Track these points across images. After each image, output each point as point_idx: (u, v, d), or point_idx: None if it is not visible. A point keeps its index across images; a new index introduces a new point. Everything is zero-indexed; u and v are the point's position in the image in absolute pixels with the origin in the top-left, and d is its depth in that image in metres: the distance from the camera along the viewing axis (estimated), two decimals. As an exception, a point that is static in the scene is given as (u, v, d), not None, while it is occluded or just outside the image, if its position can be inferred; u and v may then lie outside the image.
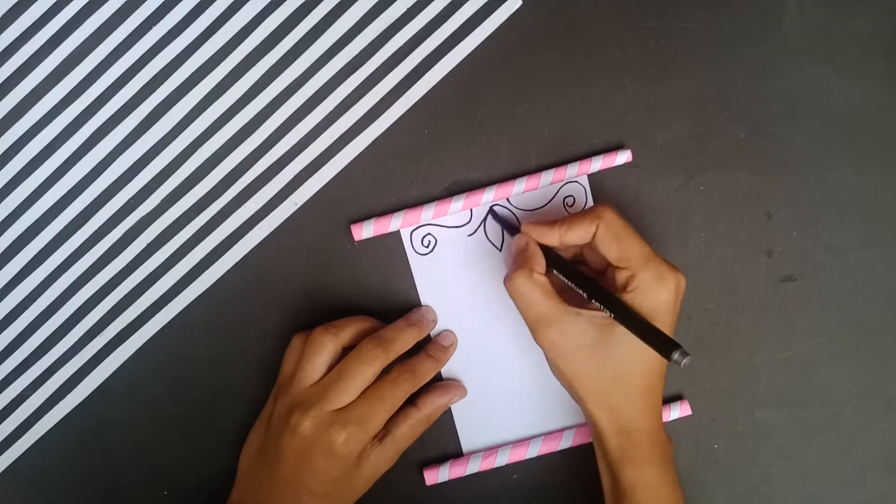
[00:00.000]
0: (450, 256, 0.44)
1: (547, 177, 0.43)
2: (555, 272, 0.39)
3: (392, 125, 0.44)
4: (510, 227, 0.43)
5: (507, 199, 0.44)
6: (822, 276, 0.44)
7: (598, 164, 0.43)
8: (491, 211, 0.43)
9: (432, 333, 0.44)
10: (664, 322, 0.37)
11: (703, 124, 0.43)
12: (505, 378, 0.44)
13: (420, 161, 0.44)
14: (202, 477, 0.42)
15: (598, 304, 0.37)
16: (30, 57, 0.44)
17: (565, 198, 0.43)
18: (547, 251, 0.39)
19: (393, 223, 0.43)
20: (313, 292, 0.44)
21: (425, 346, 0.43)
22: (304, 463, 0.39)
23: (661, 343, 0.34)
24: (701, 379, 0.44)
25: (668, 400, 0.44)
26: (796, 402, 0.44)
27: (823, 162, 0.43)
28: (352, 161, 0.44)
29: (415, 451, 0.43)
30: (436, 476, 0.44)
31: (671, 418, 0.43)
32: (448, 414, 0.44)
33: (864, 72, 0.43)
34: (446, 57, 0.44)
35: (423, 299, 0.44)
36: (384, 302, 0.44)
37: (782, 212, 0.44)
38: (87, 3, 0.44)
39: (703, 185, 0.44)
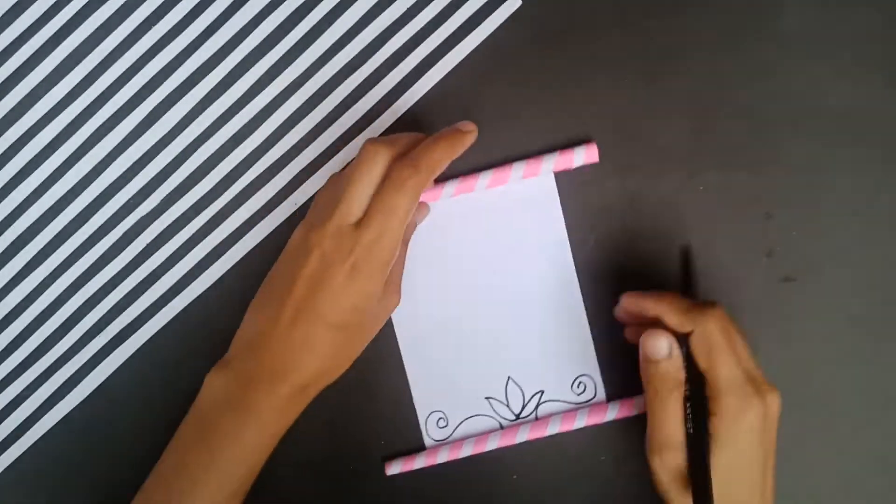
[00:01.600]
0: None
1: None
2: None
3: (392, 125, 0.44)
4: (688, 279, 0.40)
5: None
6: (822, 276, 0.44)
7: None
8: (684, 251, 0.42)
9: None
10: (752, 456, 0.35)
11: (703, 124, 0.43)
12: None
13: (420, 161, 0.44)
14: (202, 477, 0.42)
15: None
16: (30, 56, 0.44)
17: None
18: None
19: None
20: (313, 292, 0.44)
21: (441, 132, 0.38)
22: (320, 286, 0.35)
23: (698, 495, 0.33)
24: (701, 379, 0.44)
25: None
26: (796, 402, 0.44)
27: (823, 162, 0.43)
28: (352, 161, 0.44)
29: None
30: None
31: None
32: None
33: (864, 72, 0.43)
34: (446, 57, 0.44)
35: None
36: (384, 302, 0.44)
37: (782, 212, 0.43)
38: (87, 2, 0.44)
39: (703, 185, 0.44)
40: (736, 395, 0.34)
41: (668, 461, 0.35)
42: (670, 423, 0.35)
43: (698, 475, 0.34)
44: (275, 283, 0.37)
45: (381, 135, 0.44)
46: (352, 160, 0.37)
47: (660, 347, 0.35)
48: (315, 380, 0.37)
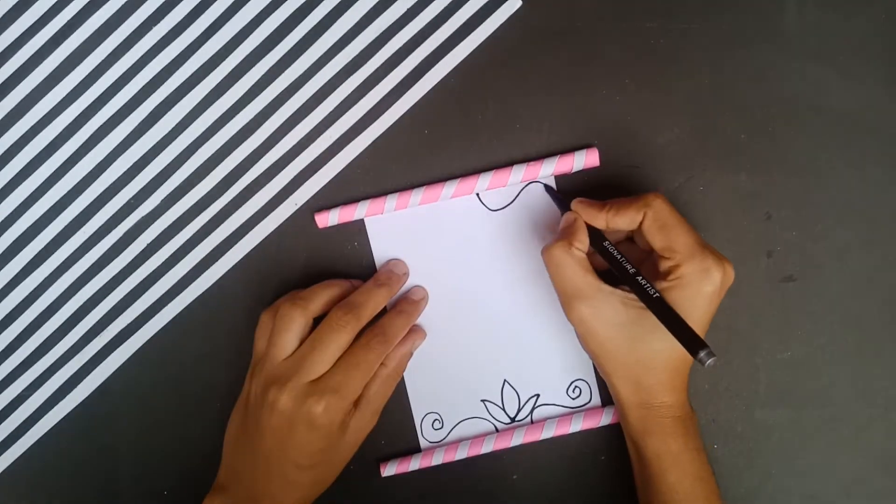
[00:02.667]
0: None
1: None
2: (596, 252, 0.39)
3: (392, 125, 0.44)
4: (561, 203, 0.42)
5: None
6: (822, 276, 0.44)
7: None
8: (546, 187, 0.43)
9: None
10: (702, 314, 0.37)
11: (703, 124, 0.43)
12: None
13: (420, 161, 0.44)
14: (202, 477, 0.42)
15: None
16: (30, 57, 0.44)
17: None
18: (592, 230, 0.39)
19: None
20: (313, 292, 0.44)
21: (396, 301, 0.43)
22: (286, 438, 0.39)
23: (689, 340, 0.34)
24: (701, 379, 0.44)
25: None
26: (796, 402, 0.44)
27: (823, 162, 0.43)
28: (352, 161, 0.44)
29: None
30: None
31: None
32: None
33: (864, 72, 0.43)
34: (446, 57, 0.44)
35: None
36: (384, 302, 0.44)
37: (782, 212, 0.43)
38: (87, 3, 0.44)
39: (703, 185, 0.44)
40: (696, 261, 0.36)
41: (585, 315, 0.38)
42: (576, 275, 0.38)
43: (677, 326, 0.35)
44: (248, 425, 0.41)
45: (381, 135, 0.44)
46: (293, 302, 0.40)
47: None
48: (302, 501, 0.41)
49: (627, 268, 0.37)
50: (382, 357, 0.40)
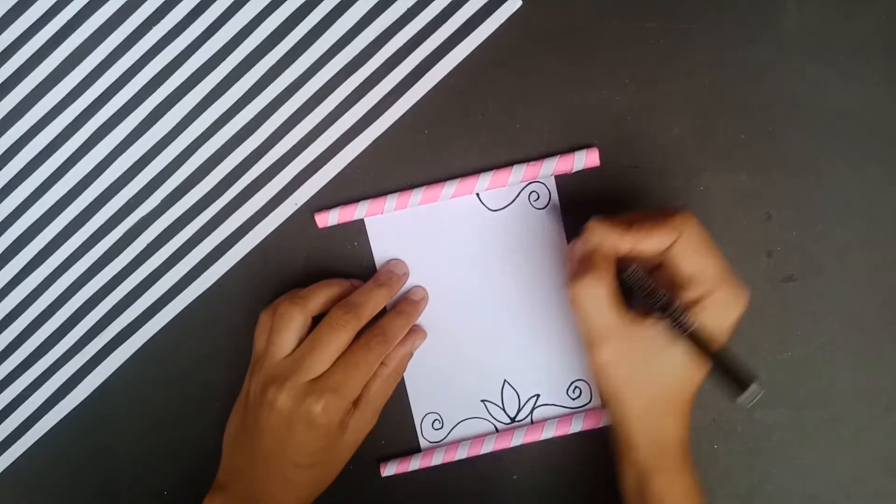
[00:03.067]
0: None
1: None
2: (624, 280, 0.35)
3: (392, 125, 0.44)
4: (565, 223, 0.41)
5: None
6: (822, 276, 0.44)
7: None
8: (552, 207, 0.43)
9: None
10: (724, 341, 0.35)
11: (703, 124, 0.43)
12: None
13: (420, 161, 0.44)
14: (202, 477, 0.42)
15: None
16: (30, 57, 0.44)
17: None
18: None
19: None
20: (313, 292, 0.44)
21: (396, 302, 0.43)
22: (285, 437, 0.39)
23: (735, 381, 0.32)
24: (701, 379, 0.44)
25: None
26: (796, 403, 0.44)
27: (823, 162, 0.43)
28: (352, 161, 0.44)
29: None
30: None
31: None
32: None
33: (864, 72, 0.43)
34: (446, 57, 0.44)
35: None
36: (384, 302, 0.44)
37: (782, 212, 0.43)
38: (87, 3, 0.44)
39: (703, 185, 0.44)
40: (728, 286, 0.35)
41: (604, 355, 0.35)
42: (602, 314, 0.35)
43: (721, 363, 0.33)
44: (247, 424, 0.41)
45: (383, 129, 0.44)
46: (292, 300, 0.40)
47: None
48: (302, 501, 0.41)
49: (661, 297, 0.34)
50: (382, 357, 0.40)
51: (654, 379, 0.36)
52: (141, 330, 0.45)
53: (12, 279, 0.45)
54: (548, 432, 0.44)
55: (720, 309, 0.35)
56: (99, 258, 0.45)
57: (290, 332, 0.40)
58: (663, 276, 0.36)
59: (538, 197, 0.44)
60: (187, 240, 0.45)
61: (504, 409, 0.45)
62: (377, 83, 0.44)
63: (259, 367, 0.40)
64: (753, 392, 0.30)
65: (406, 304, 0.43)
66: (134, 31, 0.44)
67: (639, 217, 0.35)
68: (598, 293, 0.34)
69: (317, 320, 0.41)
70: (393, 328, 0.41)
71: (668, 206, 0.44)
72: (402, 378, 0.45)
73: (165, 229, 0.45)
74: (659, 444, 0.37)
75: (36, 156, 0.45)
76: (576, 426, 0.44)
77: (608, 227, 0.35)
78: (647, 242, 0.35)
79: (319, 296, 0.41)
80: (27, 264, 0.45)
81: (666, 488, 0.37)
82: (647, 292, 0.35)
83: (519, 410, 0.45)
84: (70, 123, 0.45)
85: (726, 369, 0.33)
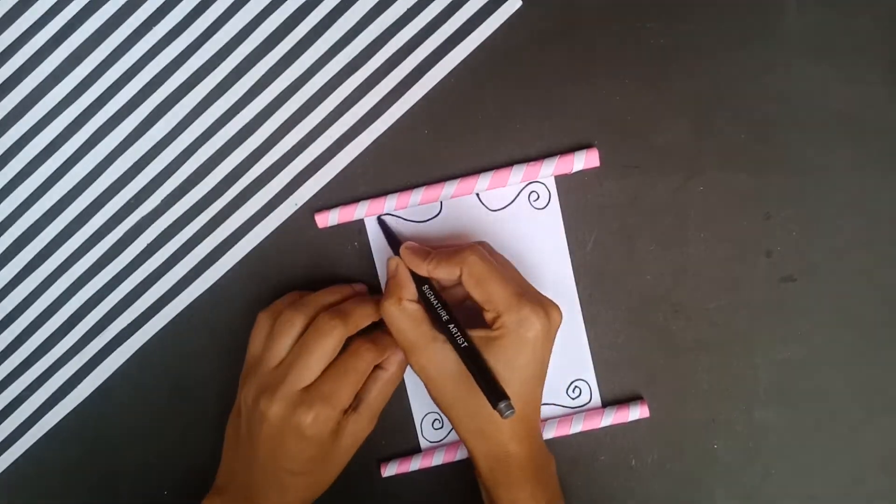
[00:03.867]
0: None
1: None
2: (423, 297, 0.40)
3: (392, 125, 0.44)
4: (393, 241, 0.43)
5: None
6: (822, 276, 0.44)
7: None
8: (379, 221, 0.44)
9: None
10: (528, 361, 0.37)
11: (703, 124, 0.43)
12: None
13: (420, 161, 0.44)
14: (202, 477, 0.42)
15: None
16: (30, 57, 0.44)
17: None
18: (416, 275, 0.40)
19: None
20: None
21: None
22: (278, 447, 0.39)
23: (489, 391, 0.35)
24: (700, 379, 0.44)
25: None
26: (796, 402, 0.44)
27: (823, 162, 0.43)
28: (352, 161, 0.44)
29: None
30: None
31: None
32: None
33: (864, 72, 0.43)
34: (446, 57, 0.44)
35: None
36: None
37: (782, 212, 0.44)
38: (87, 3, 0.44)
39: (702, 185, 0.44)
40: (513, 311, 0.37)
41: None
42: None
43: (480, 376, 0.36)
44: (241, 432, 0.41)
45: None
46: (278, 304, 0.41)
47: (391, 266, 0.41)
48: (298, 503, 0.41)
49: (441, 315, 0.38)
50: (373, 364, 0.40)
51: (471, 394, 0.37)
52: (141, 330, 0.45)
53: (12, 279, 0.45)
54: (548, 432, 0.44)
55: (510, 329, 0.37)
56: (99, 258, 0.45)
57: (288, 339, 0.40)
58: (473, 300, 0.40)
59: (538, 197, 0.44)
60: (187, 240, 0.45)
61: None
62: (377, 83, 0.44)
63: (252, 374, 0.40)
64: (506, 405, 0.34)
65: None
66: (134, 31, 0.44)
67: (440, 251, 0.40)
68: (396, 310, 0.39)
69: None
70: (384, 339, 0.41)
71: (668, 206, 0.44)
72: (403, 379, 0.44)
73: (165, 229, 0.45)
74: (496, 458, 0.39)
75: (36, 156, 0.45)
76: (576, 426, 0.44)
77: (412, 254, 0.40)
78: (438, 272, 0.39)
79: (322, 302, 0.41)
80: (27, 264, 0.45)
81: (510, 502, 0.39)
82: (432, 312, 0.39)
83: None
84: (70, 123, 0.45)
85: (484, 383, 0.36)
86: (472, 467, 0.41)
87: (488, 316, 0.38)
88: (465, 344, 0.37)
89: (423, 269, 0.39)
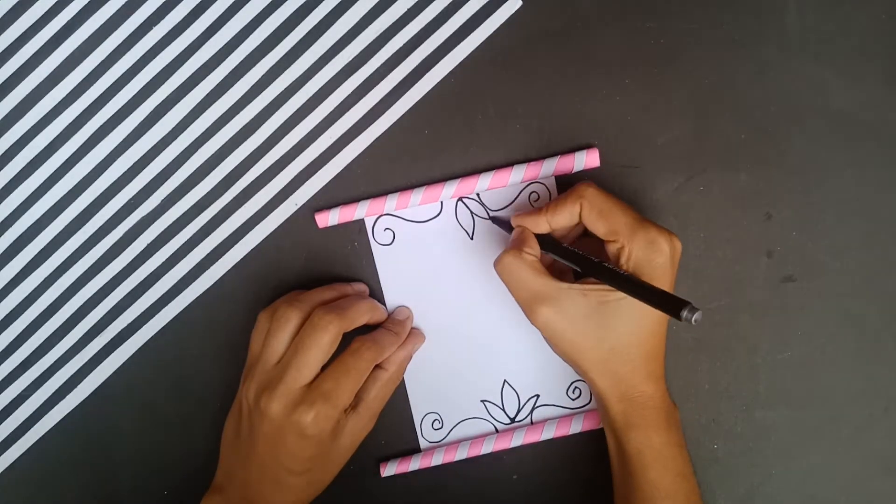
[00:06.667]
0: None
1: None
2: (549, 254, 0.39)
3: (392, 126, 0.44)
4: (508, 228, 0.43)
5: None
6: (822, 276, 0.44)
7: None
8: (492, 219, 0.44)
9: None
10: (662, 285, 0.36)
11: (703, 124, 0.43)
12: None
13: (420, 161, 0.44)
14: (202, 477, 0.42)
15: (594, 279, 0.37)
16: (30, 57, 0.44)
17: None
18: (542, 238, 0.39)
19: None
20: (313, 292, 0.44)
21: (383, 322, 0.44)
22: (278, 445, 0.39)
23: (668, 303, 0.33)
24: (700, 379, 0.44)
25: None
26: (796, 403, 0.44)
27: (823, 162, 0.43)
28: (352, 161, 0.44)
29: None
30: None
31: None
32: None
33: (864, 72, 0.43)
34: (446, 57, 0.44)
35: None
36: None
37: (782, 212, 0.44)
38: (87, 4, 0.44)
39: (703, 185, 0.44)
40: (640, 235, 0.36)
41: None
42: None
43: (654, 293, 0.34)
44: (241, 430, 0.41)
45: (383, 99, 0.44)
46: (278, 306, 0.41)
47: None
48: (297, 503, 0.41)
49: (591, 258, 0.37)
50: (373, 364, 0.40)
51: (602, 332, 0.37)
52: (141, 330, 0.45)
53: (12, 279, 0.45)
54: (548, 433, 0.44)
55: (640, 256, 0.36)
56: (99, 258, 0.45)
57: (284, 334, 0.40)
58: (594, 241, 0.39)
59: (539, 197, 0.44)
60: (187, 240, 0.45)
61: (504, 410, 0.45)
62: (377, 83, 0.44)
63: (253, 372, 0.40)
64: (690, 309, 0.32)
65: (393, 324, 0.43)
66: (134, 31, 0.44)
67: (549, 203, 0.39)
68: (517, 260, 0.38)
69: None
70: (384, 339, 0.41)
71: (668, 206, 0.44)
72: (403, 379, 0.44)
73: (165, 229, 0.45)
74: (629, 399, 0.38)
75: (36, 156, 0.45)
76: (576, 426, 0.44)
77: (525, 215, 0.39)
78: (557, 218, 0.38)
79: (318, 299, 0.41)
80: (27, 264, 0.45)
81: (642, 446, 0.38)
82: (579, 259, 0.38)
83: (519, 411, 0.45)
84: (70, 123, 0.45)
85: (660, 299, 0.34)
86: (601, 409, 0.39)
87: (612, 248, 0.37)
88: (625, 273, 0.36)
89: (543, 222, 0.39)
